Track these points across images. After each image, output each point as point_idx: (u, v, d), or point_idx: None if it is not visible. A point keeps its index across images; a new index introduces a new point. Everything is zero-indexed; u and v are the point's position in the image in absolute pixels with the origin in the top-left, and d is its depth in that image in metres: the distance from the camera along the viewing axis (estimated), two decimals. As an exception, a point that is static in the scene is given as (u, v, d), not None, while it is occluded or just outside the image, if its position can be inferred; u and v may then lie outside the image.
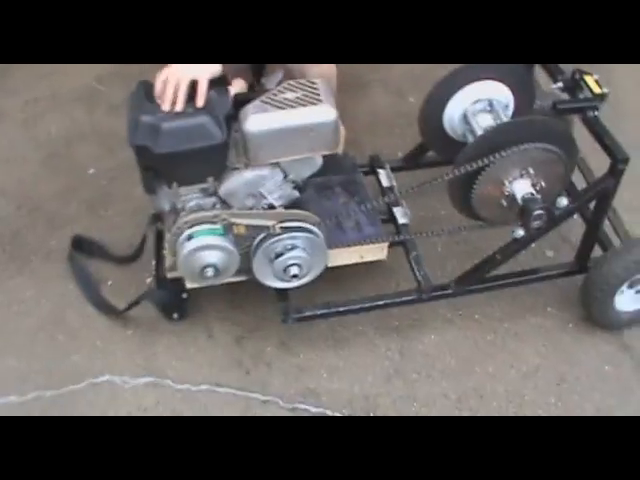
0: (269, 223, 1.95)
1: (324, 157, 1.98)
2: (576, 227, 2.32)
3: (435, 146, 2.28)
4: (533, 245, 2.35)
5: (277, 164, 1.92)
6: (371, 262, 2.19)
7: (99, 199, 2.61)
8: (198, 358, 2.16)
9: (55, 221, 2.54)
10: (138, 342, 2.20)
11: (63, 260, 2.37)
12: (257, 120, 1.83)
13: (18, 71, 3.19)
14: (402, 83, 3.02)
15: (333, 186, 2.29)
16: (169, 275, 2.10)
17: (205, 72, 1.86)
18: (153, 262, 2.18)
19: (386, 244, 2.15)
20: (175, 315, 2.22)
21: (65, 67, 3.16)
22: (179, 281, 2.11)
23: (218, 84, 1.89)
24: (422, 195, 2.36)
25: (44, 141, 2.85)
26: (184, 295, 2.19)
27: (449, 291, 2.13)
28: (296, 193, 1.99)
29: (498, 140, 1.91)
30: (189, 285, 2.11)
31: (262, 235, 1.98)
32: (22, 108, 3.02)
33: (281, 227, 1.96)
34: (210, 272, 1.94)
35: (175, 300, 2.19)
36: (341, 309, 2.11)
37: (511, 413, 2.05)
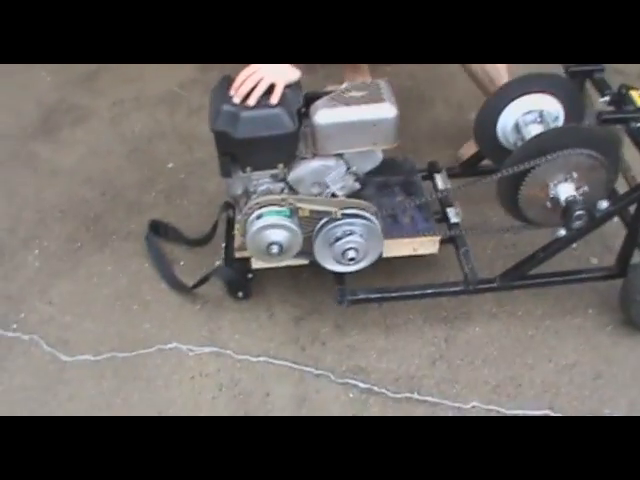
0: (331, 209, 2.10)
1: (385, 160, 2.14)
2: (620, 236, 2.41)
3: (489, 154, 2.42)
4: (578, 252, 2.52)
5: (341, 156, 2.09)
6: (423, 256, 2.34)
7: (176, 190, 2.82)
8: (259, 334, 2.33)
9: (134, 207, 2.77)
10: (205, 316, 2.38)
11: (140, 241, 2.59)
12: (325, 114, 2.03)
13: (106, 74, 3.47)
14: (464, 100, 3.20)
15: (392, 185, 2.42)
16: (237, 255, 2.27)
17: (286, 77, 2.06)
18: (223, 245, 2.33)
19: (438, 238, 2.29)
20: (240, 294, 2.38)
21: (149, 73, 3.43)
22: (246, 261, 2.28)
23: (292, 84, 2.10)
24: (474, 202, 2.59)
25: (129, 138, 3.10)
26: (250, 275, 2.34)
27: (494, 284, 2.26)
28: (357, 185, 2.14)
29: (545, 145, 2.03)
30: (255, 265, 2.28)
31: (324, 220, 2.12)
32: (109, 108, 3.29)
33: (342, 213, 2.10)
34: (275, 249, 2.09)
35: (241, 279, 2.35)
36: (393, 294, 2.25)
37: (546, 402, 2.17)
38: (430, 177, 2.56)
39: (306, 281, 2.48)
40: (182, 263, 2.55)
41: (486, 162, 2.54)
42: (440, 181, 2.51)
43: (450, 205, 2.43)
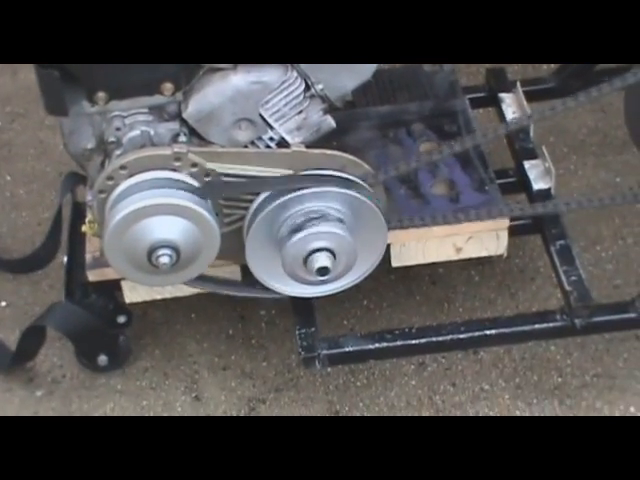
0: (278, 172, 1.47)
1: (394, 70, 1.81)
2: None
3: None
4: None
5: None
6: (476, 263, 1.80)
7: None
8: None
9: None
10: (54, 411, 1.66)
11: None
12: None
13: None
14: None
15: (409, 121, 1.82)
16: (92, 276, 1.66)
17: None
18: (64, 258, 1.77)
19: (506, 224, 1.65)
20: (102, 359, 1.67)
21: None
22: (112, 289, 1.67)
23: None
24: (583, 148, 1.99)
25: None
26: (121, 318, 1.70)
27: (632, 315, 1.61)
28: (330, 121, 1.53)
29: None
30: (131, 297, 1.67)
31: (264, 195, 1.47)
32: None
33: (300, 179, 1.48)
34: (165, 258, 1.40)
35: (103, 327, 1.70)
36: (413, 341, 1.56)
37: None
38: (491, 100, 1.94)
39: (251, 323, 1.79)
40: (4, 304, 1.88)
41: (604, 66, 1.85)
42: (511, 106, 1.87)
43: (532, 156, 1.78)
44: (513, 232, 1.73)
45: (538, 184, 1.80)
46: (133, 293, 1.67)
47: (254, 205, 1.48)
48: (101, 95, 1.45)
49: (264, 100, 1.48)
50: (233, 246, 1.51)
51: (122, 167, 1.45)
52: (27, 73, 2.26)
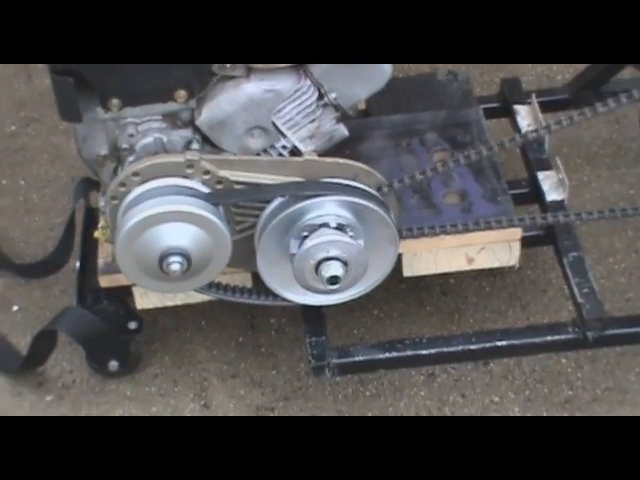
0: (290, 179, 1.50)
1: (407, 79, 1.86)
2: None
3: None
4: None
5: (305, 70, 1.47)
6: (487, 274, 1.79)
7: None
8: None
9: None
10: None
11: None
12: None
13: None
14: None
15: (423, 130, 1.81)
16: (104, 282, 1.66)
17: None
18: (77, 264, 1.76)
19: (518, 235, 1.64)
20: (113, 364, 1.68)
21: None
22: (124, 296, 1.68)
23: None
24: (596, 159, 1.97)
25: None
26: (132, 324, 1.70)
27: None
28: (342, 130, 1.53)
29: None
30: (142, 304, 1.66)
31: (275, 203, 1.46)
32: None
33: (311, 188, 1.49)
34: (175, 265, 1.40)
35: (114, 333, 1.70)
36: (424, 351, 1.54)
37: None
38: (505, 111, 1.93)
39: (261, 331, 1.78)
40: (15, 308, 1.87)
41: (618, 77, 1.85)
42: (526, 118, 1.87)
43: (545, 167, 1.78)
44: (525, 243, 1.73)
45: (551, 195, 1.79)
46: (144, 299, 1.68)
47: (265, 213, 1.48)
48: (115, 102, 1.46)
49: (277, 108, 1.49)
50: (244, 254, 1.51)
51: (135, 174, 1.46)
52: (42, 78, 2.28)
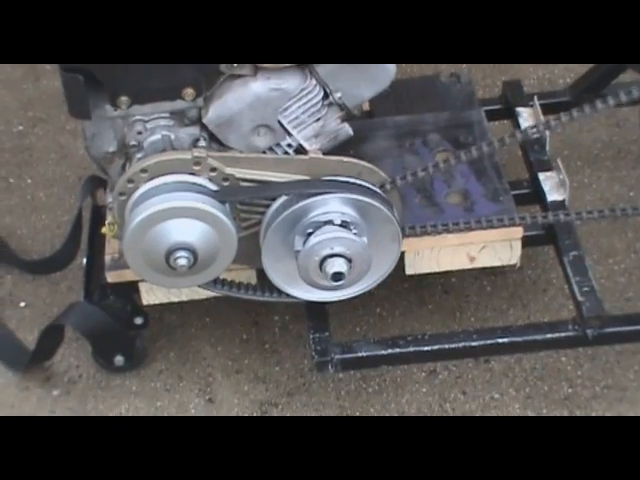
0: (295, 177, 1.51)
1: (411, 80, 1.86)
2: None
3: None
4: None
5: (311, 70, 1.47)
6: (488, 273, 1.80)
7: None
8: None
9: None
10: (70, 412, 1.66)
11: None
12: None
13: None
14: None
15: (426, 131, 1.83)
16: (111, 278, 1.66)
17: None
18: (84, 260, 1.77)
19: (519, 234, 1.65)
20: (119, 359, 1.70)
21: None
22: (130, 291, 1.67)
23: None
24: (594, 161, 1.99)
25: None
26: (139, 320, 1.71)
27: None
28: (347, 129, 1.55)
29: None
30: (148, 299, 1.67)
31: (282, 200, 1.48)
32: None
33: (317, 186, 1.50)
34: (182, 261, 1.41)
35: (120, 328, 1.69)
36: (426, 348, 1.55)
37: None
38: (507, 113, 1.95)
39: (265, 328, 1.78)
40: (23, 304, 1.88)
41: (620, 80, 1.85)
42: (528, 121, 1.88)
43: (547, 168, 1.79)
44: (526, 243, 1.74)
45: (553, 195, 1.80)
46: (150, 295, 1.69)
47: (271, 210, 1.49)
48: (124, 99, 1.47)
49: (283, 107, 1.50)
50: (250, 250, 1.53)
51: (143, 170, 1.47)
52: (49, 79, 2.32)
